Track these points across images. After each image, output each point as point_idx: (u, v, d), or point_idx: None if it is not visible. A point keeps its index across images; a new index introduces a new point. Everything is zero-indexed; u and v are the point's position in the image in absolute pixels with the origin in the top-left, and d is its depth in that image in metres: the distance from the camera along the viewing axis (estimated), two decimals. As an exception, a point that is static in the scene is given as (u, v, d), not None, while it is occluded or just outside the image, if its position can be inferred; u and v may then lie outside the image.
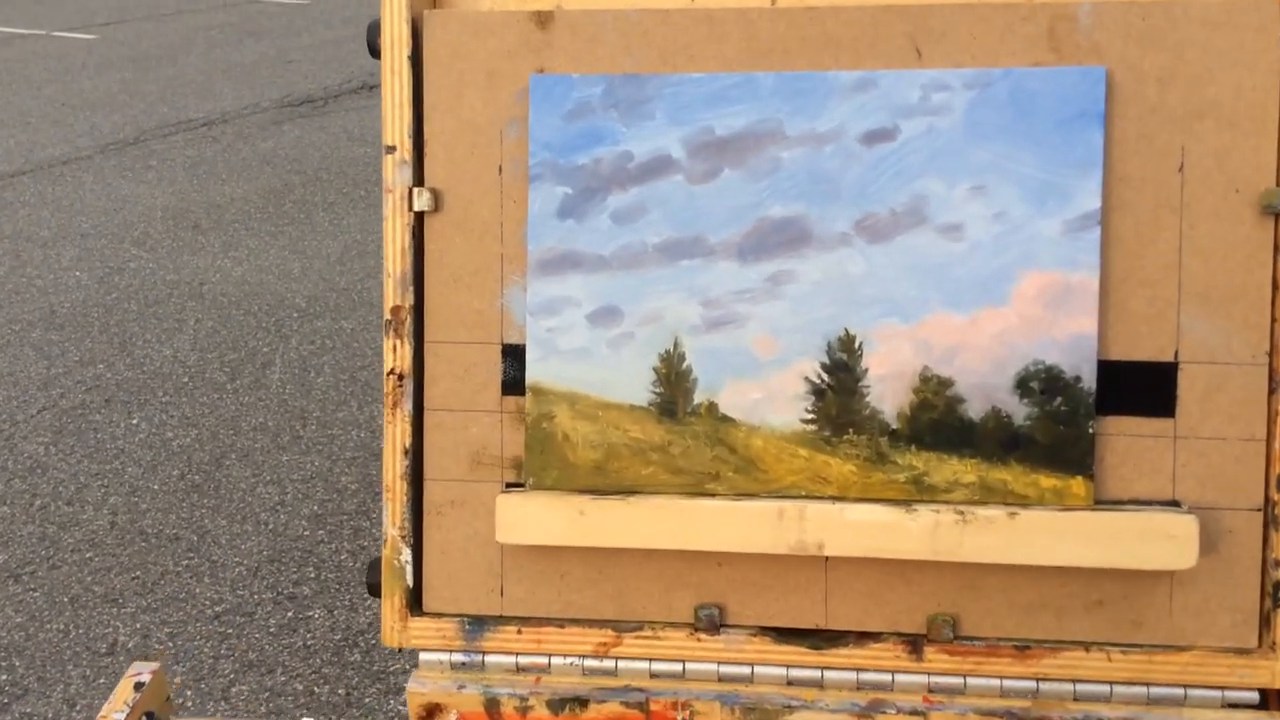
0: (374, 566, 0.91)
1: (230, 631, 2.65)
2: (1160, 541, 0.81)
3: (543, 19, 0.87)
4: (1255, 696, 0.84)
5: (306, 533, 2.96)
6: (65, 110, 7.19)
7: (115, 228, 5.15)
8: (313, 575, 2.79)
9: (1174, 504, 0.84)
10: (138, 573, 2.86)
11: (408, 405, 0.89)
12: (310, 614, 2.72)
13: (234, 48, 9.06)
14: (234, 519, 3.05)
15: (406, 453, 0.89)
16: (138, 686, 0.88)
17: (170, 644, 2.58)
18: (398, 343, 0.88)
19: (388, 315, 0.88)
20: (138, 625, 2.53)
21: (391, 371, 0.88)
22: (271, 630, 2.63)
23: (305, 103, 7.05)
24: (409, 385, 0.88)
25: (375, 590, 0.90)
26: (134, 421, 3.51)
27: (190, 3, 11.27)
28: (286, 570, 2.89)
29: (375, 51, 0.88)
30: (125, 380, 3.76)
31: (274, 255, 4.88)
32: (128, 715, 0.85)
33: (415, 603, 0.90)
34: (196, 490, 3.15)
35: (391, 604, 0.90)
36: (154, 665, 0.90)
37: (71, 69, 8.53)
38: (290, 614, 2.73)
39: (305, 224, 5.05)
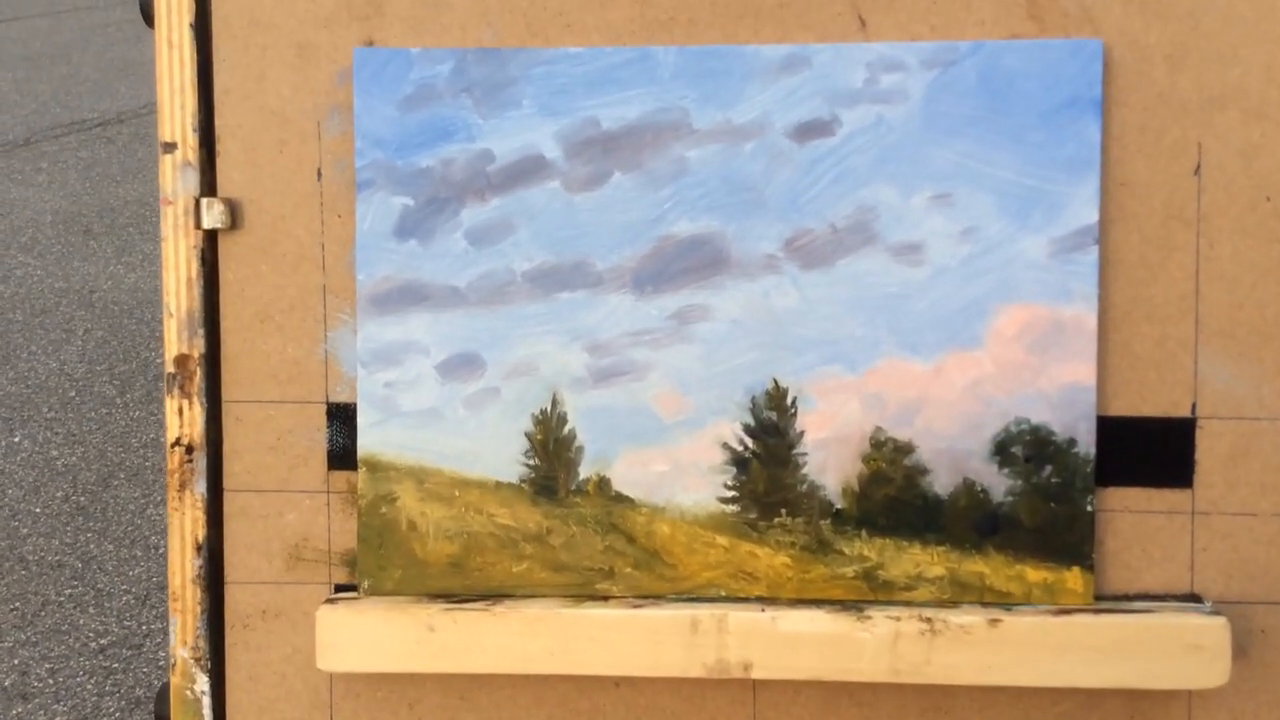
0: (162, 696, 0.68)
1: (117, 666, 2.50)
2: (1183, 653, 0.62)
3: None
4: (1297, 842, 0.65)
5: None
6: None
7: (1, 233, 4.99)
8: None
9: (1193, 598, 0.65)
10: (16, 604, 2.71)
11: (200, 486, 0.66)
12: (202, 647, 2.54)
13: (133, 46, 8.83)
14: (122, 544, 2.92)
15: (199, 549, 0.66)
16: None
17: (51, 680, 2.41)
18: (184, 404, 0.65)
19: (170, 368, 0.65)
20: (15, 662, 2.37)
21: (177, 442, 0.66)
22: (161, 664, 2.49)
23: (207, 101, 6.90)
24: (201, 460, 0.66)
25: (164, 726, 0.67)
26: (15, 439, 3.33)
27: (87, -1, 11.02)
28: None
29: (150, 19, 0.65)
30: (7, 395, 3.59)
31: None
32: None
33: None
34: (82, 513, 2.99)
35: (186, 747, 0.67)
36: None
37: None
38: (181, 646, 2.54)
39: None
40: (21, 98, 7.08)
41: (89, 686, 2.35)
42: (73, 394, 3.53)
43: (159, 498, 3.01)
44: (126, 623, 2.49)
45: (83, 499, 2.99)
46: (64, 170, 5.65)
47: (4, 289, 4.25)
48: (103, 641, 2.45)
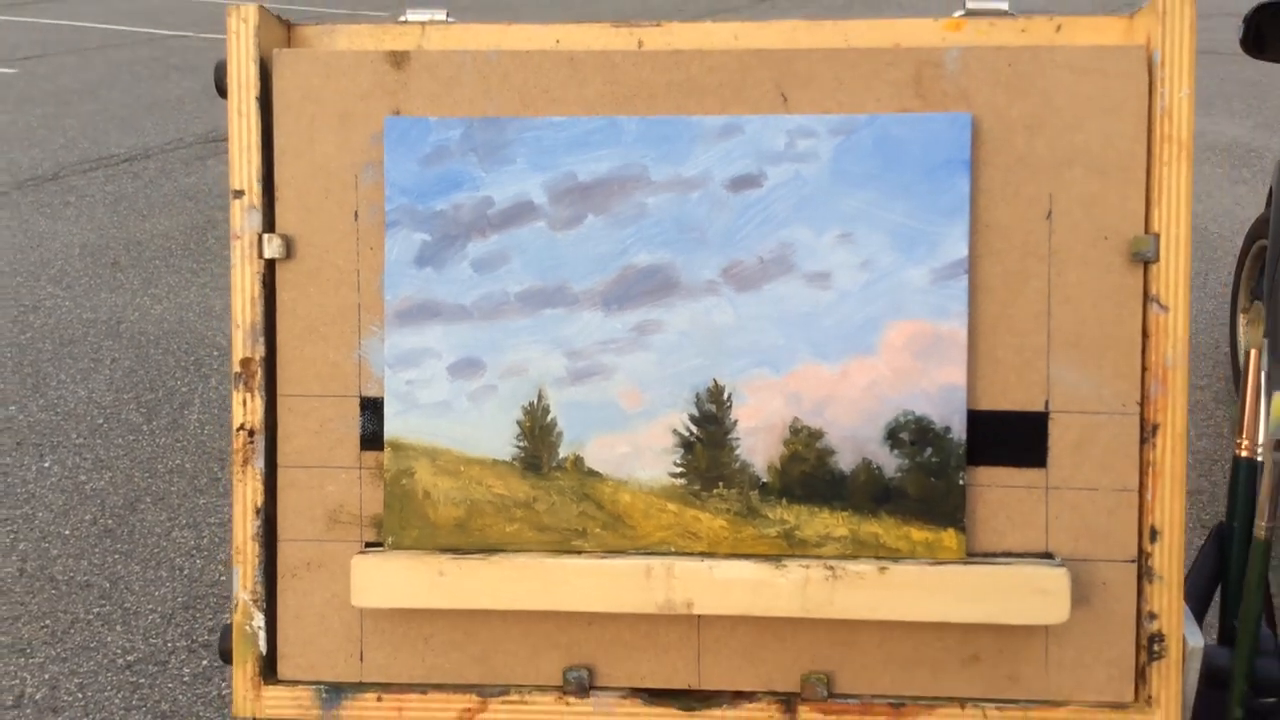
0: (225, 633, 0.87)
1: (143, 681, 2.61)
2: (1032, 596, 0.80)
3: (398, 59, 0.85)
4: (1133, 754, 0.83)
5: (223, 578, 2.93)
6: None
7: (31, 265, 5.09)
8: (229, 621, 2.74)
9: (1047, 556, 0.83)
10: (46, 621, 2.81)
11: (259, 462, 0.85)
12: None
13: (159, 83, 8.98)
14: (148, 564, 3.02)
15: (258, 512, 0.85)
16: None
17: (80, 695, 2.53)
18: (248, 397, 0.85)
19: (237, 368, 0.85)
20: (46, 676, 2.48)
21: (241, 427, 0.85)
22: (185, 679, 2.59)
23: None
24: (260, 441, 0.85)
25: (227, 657, 0.86)
26: (46, 464, 3.47)
27: (114, 37, 11.17)
28: (202, 617, 2.86)
29: (223, 91, 0.85)
30: (38, 422, 3.71)
31: (195, 292, 4.84)
32: None
33: (269, 670, 0.87)
34: (109, 535, 3.10)
35: (244, 672, 0.86)
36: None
37: None
38: (205, 662, 2.69)
39: (227, 260, 5.03)
40: (50, 133, 7.26)
41: (116, 701, 2.49)
42: (101, 421, 3.64)
43: (184, 521, 3.14)
44: (152, 640, 2.63)
45: (110, 522, 3.09)
46: (92, 204, 5.80)
47: (34, 319, 4.38)
48: (129, 658, 2.59)
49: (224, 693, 2.55)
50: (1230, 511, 0.91)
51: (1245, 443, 0.92)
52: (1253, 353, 0.91)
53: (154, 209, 5.86)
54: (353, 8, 13.56)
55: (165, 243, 5.34)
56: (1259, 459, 0.91)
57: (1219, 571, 0.92)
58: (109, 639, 2.76)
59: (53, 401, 3.85)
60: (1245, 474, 0.91)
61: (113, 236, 5.47)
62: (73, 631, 2.77)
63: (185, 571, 3.00)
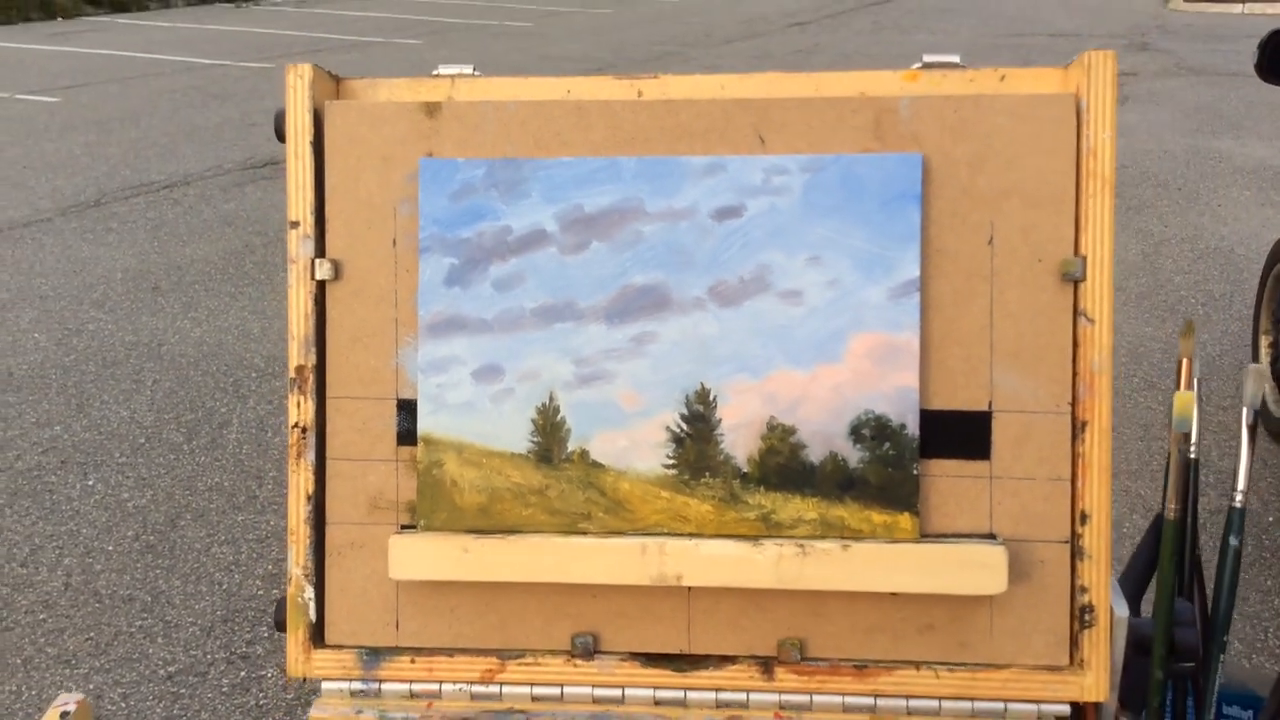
0: (280, 605, 1.02)
1: (183, 692, 2.73)
2: (976, 570, 0.94)
3: (431, 109, 1.01)
4: (1066, 709, 0.96)
5: (260, 592, 3.02)
6: (27, 173, 7.29)
7: (75, 290, 5.23)
8: (266, 635, 2.87)
9: (991, 537, 0.97)
10: (91, 634, 2.93)
11: (310, 455, 1.01)
12: (263, 673, 2.79)
13: (198, 111, 9.19)
14: (188, 579, 3.10)
15: (309, 499, 1.01)
16: (63, 716, 0.99)
17: (123, 704, 2.66)
18: (301, 399, 1.00)
19: (292, 374, 1.01)
20: (91, 686, 2.61)
21: (296, 425, 1.01)
22: (224, 690, 2.71)
23: (268, 164, 7.19)
24: (311, 437, 1.00)
25: (281, 626, 1.02)
26: (90, 483, 3.58)
27: (155, 66, 11.41)
28: (240, 630, 2.95)
29: (281, 136, 1.01)
30: (82, 442, 3.82)
31: (233, 315, 4.97)
32: None
33: (318, 636, 1.02)
34: (151, 551, 3.21)
35: (296, 638, 1.01)
36: (78, 696, 1.01)
37: (34, 132, 8.63)
38: (243, 673, 2.81)
39: (265, 284, 5.16)
40: (93, 160, 7.48)
41: (158, 711, 2.62)
42: (142, 440, 3.78)
43: (222, 537, 3.27)
44: (193, 652, 2.77)
45: (152, 538, 3.21)
46: (133, 230, 5.98)
47: (78, 342, 4.55)
48: (170, 669, 2.73)
49: (261, 703, 2.67)
50: (1164, 505, 1.05)
51: (1178, 439, 1.06)
52: (1185, 361, 1.05)
53: (194, 234, 6.02)
54: (388, 36, 13.77)
55: (205, 267, 5.49)
56: (1192, 454, 1.05)
57: (1154, 558, 1.05)
58: (151, 651, 2.89)
59: (96, 422, 3.95)
60: (1179, 471, 1.05)
61: (154, 261, 5.62)
62: (116, 644, 2.90)
63: (224, 586, 3.09)
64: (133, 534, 3.30)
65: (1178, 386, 1.05)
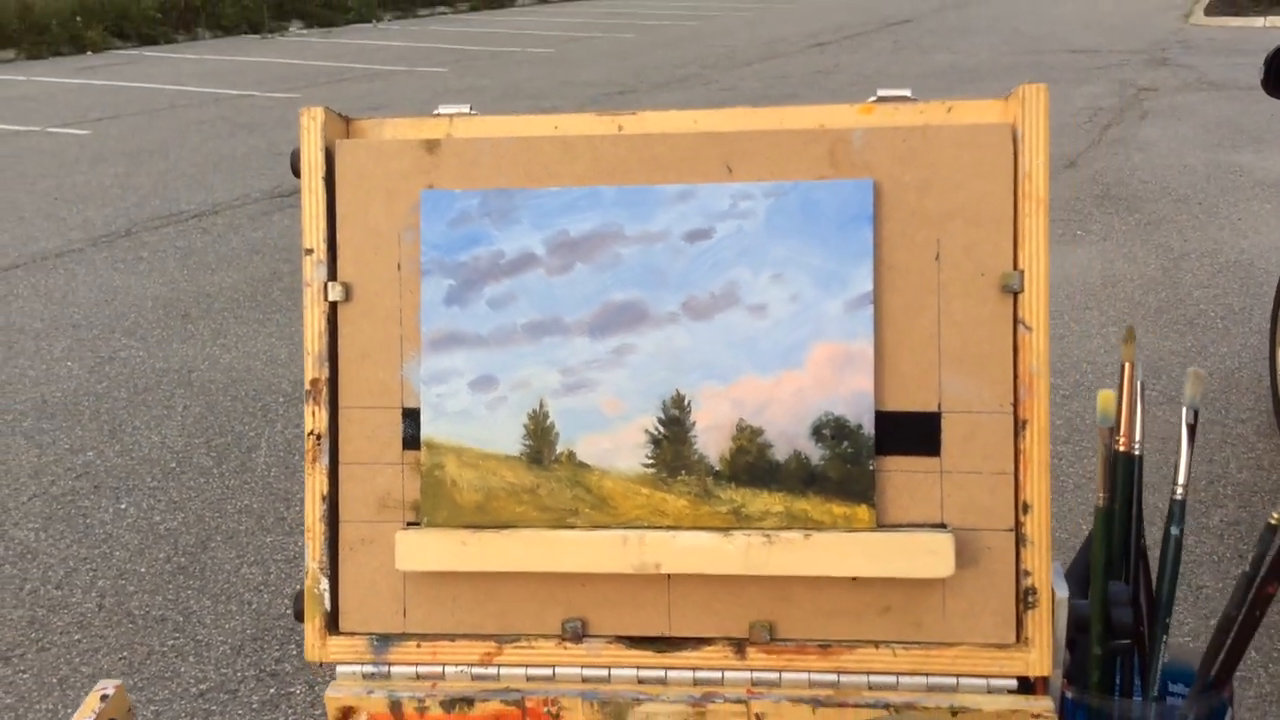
0: (298, 597, 1.14)
1: (214, 709, 2.85)
2: (926, 556, 1.04)
3: (431, 146, 1.13)
4: (1014, 683, 1.06)
5: (289, 611, 3.17)
6: (59, 204, 7.49)
7: (106, 318, 5.39)
8: (294, 653, 2.98)
9: (941, 526, 1.07)
10: (124, 653, 3.05)
11: (325, 460, 1.12)
12: (292, 690, 2.91)
13: (225, 141, 9.38)
14: (219, 599, 3.25)
15: (324, 499, 1.12)
16: (103, 698, 1.11)
17: None
18: (316, 409, 1.12)
19: (308, 386, 1.13)
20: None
21: (311, 432, 1.12)
22: (254, 707, 2.83)
23: (294, 193, 7.35)
24: (326, 443, 1.12)
25: (300, 616, 1.13)
26: (122, 506, 3.70)
27: (183, 98, 11.64)
28: (269, 648, 3.07)
29: (297, 172, 1.14)
30: (114, 466, 4.01)
31: (262, 342, 5.11)
32: None
33: (333, 624, 1.14)
34: (183, 572, 3.34)
35: (313, 626, 1.13)
36: (116, 682, 1.12)
37: (65, 164, 8.84)
38: (273, 690, 2.92)
39: (292, 311, 5.30)
40: (123, 191, 7.69)
41: None
42: (173, 465, 3.94)
43: (252, 558, 3.40)
44: (223, 670, 2.89)
45: (183, 559, 3.37)
46: (163, 259, 6.17)
47: (110, 370, 4.71)
48: (202, 687, 2.85)
49: (290, 718, 2.78)
50: (1111, 499, 1.15)
51: (1122, 439, 1.16)
52: (1126, 365, 1.15)
53: (222, 263, 6.18)
54: (412, 65, 13.94)
55: (233, 295, 5.65)
56: (1136, 453, 1.15)
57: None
58: (182, 669, 3.01)
59: (128, 447, 4.14)
60: (1123, 466, 1.15)
61: (183, 290, 5.78)
62: (149, 662, 3.02)
63: (254, 605, 3.22)
64: (164, 556, 3.42)
65: (1119, 389, 1.15)
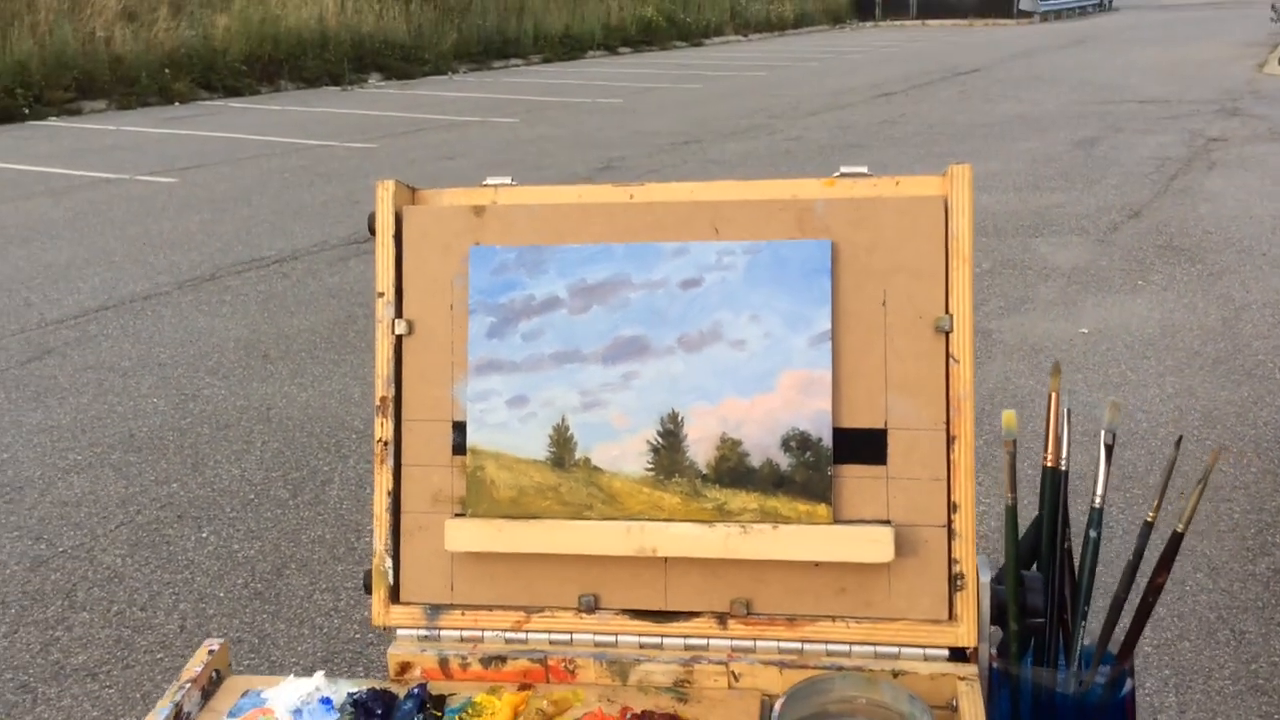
0: (367, 575, 1.44)
1: None
2: (871, 544, 1.31)
3: (479, 211, 1.44)
4: (946, 653, 1.33)
5: (357, 635, 3.30)
6: (147, 249, 7.86)
7: (191, 358, 5.68)
8: (362, 674, 3.20)
9: (886, 523, 1.34)
10: None
11: (390, 462, 1.42)
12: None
13: (305, 189, 9.77)
14: (292, 623, 3.38)
15: (389, 494, 1.42)
16: (210, 653, 1.41)
17: None
18: (384, 420, 1.42)
19: (377, 402, 1.43)
20: None
21: (380, 439, 1.43)
22: None
23: (369, 241, 7.68)
24: (391, 449, 1.42)
25: (368, 588, 1.43)
26: (204, 535, 3.91)
27: (265, 147, 12.07)
28: (338, 670, 3.25)
29: (372, 231, 1.45)
30: (197, 497, 4.17)
31: (337, 381, 5.37)
32: (203, 670, 1.37)
33: (394, 596, 1.43)
34: (259, 597, 3.51)
35: (379, 596, 1.42)
36: (221, 640, 1.42)
37: (153, 211, 9.26)
38: (342, 710, 3.14)
39: (367, 352, 5.55)
40: (207, 237, 8.07)
41: None
42: (252, 496, 4.16)
43: (324, 585, 3.61)
44: None
45: (259, 585, 3.56)
46: (245, 302, 6.49)
47: (194, 406, 4.99)
48: None
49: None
50: (1041, 506, 1.41)
51: (1050, 456, 1.42)
52: (1053, 395, 1.41)
53: (301, 306, 6.49)
54: (485, 115, 14.29)
55: (311, 337, 5.94)
56: (1062, 468, 1.41)
57: (1033, 545, 1.41)
58: (258, 687, 3.22)
59: (210, 479, 4.30)
60: (1050, 479, 1.41)
61: (264, 331, 6.07)
62: (226, 683, 3.23)
63: (325, 630, 3.36)
64: (242, 581, 3.61)
65: (1046, 416, 1.42)
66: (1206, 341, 5.56)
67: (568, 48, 23.96)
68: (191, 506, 4.08)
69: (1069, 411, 1.43)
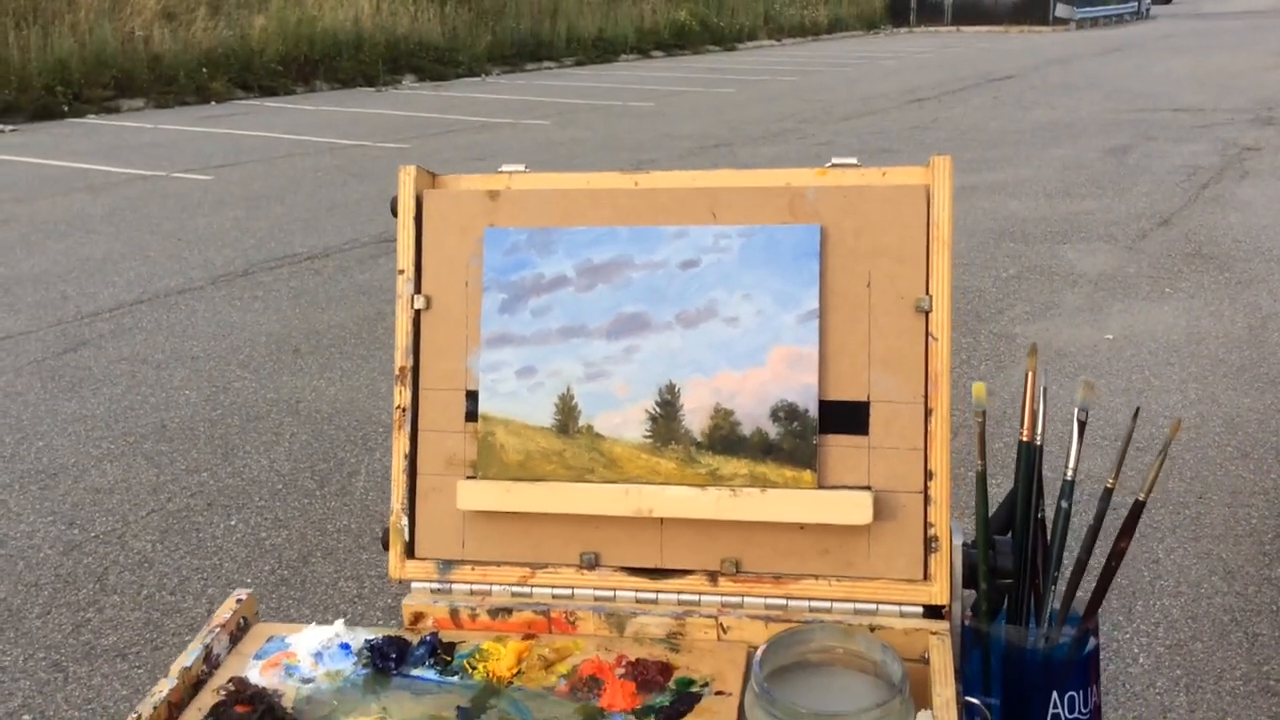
0: (385, 532, 1.56)
1: None
2: (851, 508, 1.42)
3: (494, 195, 1.56)
4: (920, 610, 1.44)
5: (379, 621, 3.36)
6: (181, 245, 8.02)
7: (223, 351, 5.80)
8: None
9: (867, 489, 1.45)
10: None
11: (408, 428, 1.55)
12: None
13: (339, 188, 9.92)
14: (317, 609, 3.45)
15: (406, 457, 1.55)
16: (238, 601, 1.53)
17: None
18: (403, 388, 1.55)
19: (397, 372, 1.56)
20: None
21: (399, 406, 1.55)
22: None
23: (399, 238, 7.78)
24: (409, 415, 1.55)
25: (385, 545, 1.55)
26: (232, 523, 4.02)
27: (300, 146, 12.24)
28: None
29: (395, 213, 1.57)
30: (226, 486, 4.28)
31: (365, 376, 5.48)
32: (231, 616, 1.50)
33: (410, 551, 1.55)
34: (285, 584, 3.61)
35: (395, 551, 1.55)
36: (248, 590, 1.55)
37: (188, 207, 9.43)
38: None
39: (395, 348, 5.64)
40: (241, 234, 8.22)
41: None
42: (280, 486, 4.25)
43: (349, 574, 3.70)
44: None
45: (286, 572, 3.65)
46: (277, 298, 6.63)
47: (225, 398, 5.10)
48: None
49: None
50: (1016, 478, 1.52)
51: (1025, 431, 1.53)
52: (1030, 374, 1.52)
53: (332, 302, 6.61)
54: (517, 117, 14.39)
55: (340, 332, 6.06)
56: (1037, 442, 1.52)
57: (1008, 516, 1.52)
58: (282, 668, 3.32)
59: (239, 469, 4.42)
60: (1025, 453, 1.52)
61: (295, 326, 6.18)
62: (253, 667, 3.32)
63: (349, 616, 3.41)
64: (269, 568, 3.72)
65: (1024, 392, 1.53)
66: (1231, 349, 5.59)
67: (600, 51, 24.12)
68: (221, 495, 4.18)
69: (1045, 390, 1.53)
